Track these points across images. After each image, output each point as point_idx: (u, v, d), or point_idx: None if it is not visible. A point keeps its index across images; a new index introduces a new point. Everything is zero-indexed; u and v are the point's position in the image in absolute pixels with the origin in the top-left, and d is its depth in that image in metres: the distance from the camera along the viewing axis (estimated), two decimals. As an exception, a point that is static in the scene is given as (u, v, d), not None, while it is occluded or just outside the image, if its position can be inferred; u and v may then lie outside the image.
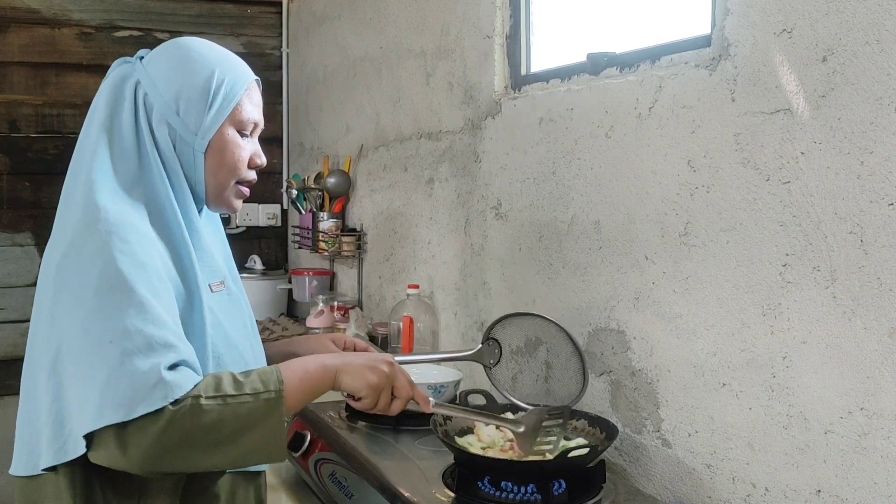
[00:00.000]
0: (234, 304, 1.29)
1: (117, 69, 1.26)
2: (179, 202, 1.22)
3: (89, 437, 1.04)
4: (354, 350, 1.45)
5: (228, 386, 1.07)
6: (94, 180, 1.16)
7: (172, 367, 1.05)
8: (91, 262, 1.09)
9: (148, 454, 1.02)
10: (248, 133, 1.28)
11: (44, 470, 1.12)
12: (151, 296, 1.08)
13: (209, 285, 1.23)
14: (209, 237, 1.28)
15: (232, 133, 1.25)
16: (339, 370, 1.20)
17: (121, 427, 1.01)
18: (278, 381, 1.11)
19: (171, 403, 1.02)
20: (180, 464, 1.07)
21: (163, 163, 1.22)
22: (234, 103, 1.25)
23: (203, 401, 1.04)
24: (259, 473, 1.33)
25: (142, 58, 1.27)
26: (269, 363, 1.27)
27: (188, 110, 1.22)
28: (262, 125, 1.31)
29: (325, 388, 1.20)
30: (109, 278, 1.07)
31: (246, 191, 1.31)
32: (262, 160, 1.31)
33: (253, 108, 1.28)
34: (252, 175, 1.30)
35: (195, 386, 1.05)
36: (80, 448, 1.06)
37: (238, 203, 1.32)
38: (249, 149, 1.29)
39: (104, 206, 1.13)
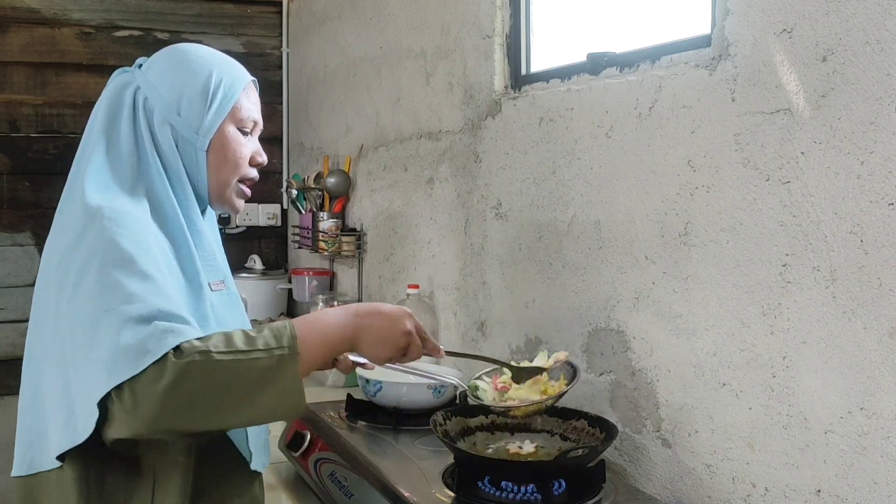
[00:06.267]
0: (234, 304, 1.30)
1: (117, 79, 1.29)
2: (180, 201, 1.23)
3: (101, 407, 1.02)
4: None
5: (240, 342, 1.05)
6: (90, 181, 1.17)
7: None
8: (92, 249, 1.09)
9: (159, 409, 0.99)
10: (248, 131, 1.31)
11: (57, 459, 1.10)
12: (155, 273, 1.08)
13: (209, 283, 1.24)
14: (210, 237, 1.29)
15: (233, 131, 1.29)
16: (356, 338, 1.18)
17: (130, 385, 0.99)
18: (291, 336, 1.08)
19: (177, 356, 1.00)
20: (193, 421, 1.03)
21: (163, 164, 1.24)
22: (232, 101, 1.28)
23: (214, 356, 1.02)
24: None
25: (140, 66, 1.29)
26: None
27: (189, 110, 1.25)
28: (261, 125, 1.35)
29: (342, 352, 1.19)
30: (112, 257, 1.07)
31: (248, 190, 1.34)
32: (264, 158, 1.34)
33: (251, 107, 1.32)
34: (253, 173, 1.33)
35: (204, 340, 1.03)
36: (90, 425, 1.03)
37: (240, 203, 1.34)
38: (250, 147, 1.32)
39: (101, 203, 1.13)
